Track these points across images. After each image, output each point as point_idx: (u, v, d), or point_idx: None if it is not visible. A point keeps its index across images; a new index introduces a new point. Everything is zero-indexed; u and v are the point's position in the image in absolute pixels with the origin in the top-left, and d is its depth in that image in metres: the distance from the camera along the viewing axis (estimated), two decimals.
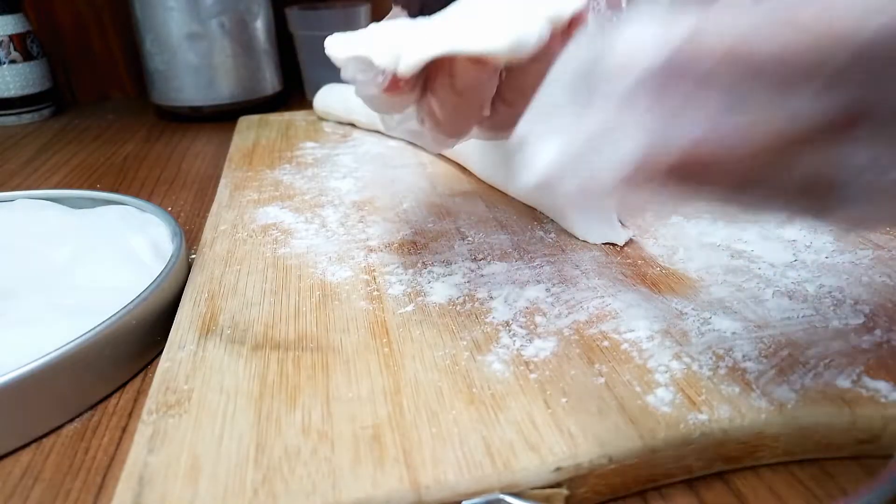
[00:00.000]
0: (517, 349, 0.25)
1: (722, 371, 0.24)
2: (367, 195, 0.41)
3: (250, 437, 0.21)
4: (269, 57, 0.72)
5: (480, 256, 0.33)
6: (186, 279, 0.32)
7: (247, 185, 0.44)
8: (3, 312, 0.29)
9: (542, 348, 0.25)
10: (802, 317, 0.27)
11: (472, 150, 0.42)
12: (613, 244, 0.34)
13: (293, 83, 0.79)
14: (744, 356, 0.24)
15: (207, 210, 0.43)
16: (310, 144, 0.53)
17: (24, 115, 0.73)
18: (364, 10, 0.72)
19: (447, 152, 0.46)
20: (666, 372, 0.24)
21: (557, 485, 0.20)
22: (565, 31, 0.24)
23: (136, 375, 0.29)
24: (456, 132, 0.27)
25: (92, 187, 0.52)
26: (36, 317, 0.29)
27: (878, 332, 0.26)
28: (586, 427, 0.21)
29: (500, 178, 0.41)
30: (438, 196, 0.41)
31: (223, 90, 0.69)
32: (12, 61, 0.70)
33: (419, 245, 0.34)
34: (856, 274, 0.30)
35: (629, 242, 0.34)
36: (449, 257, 0.33)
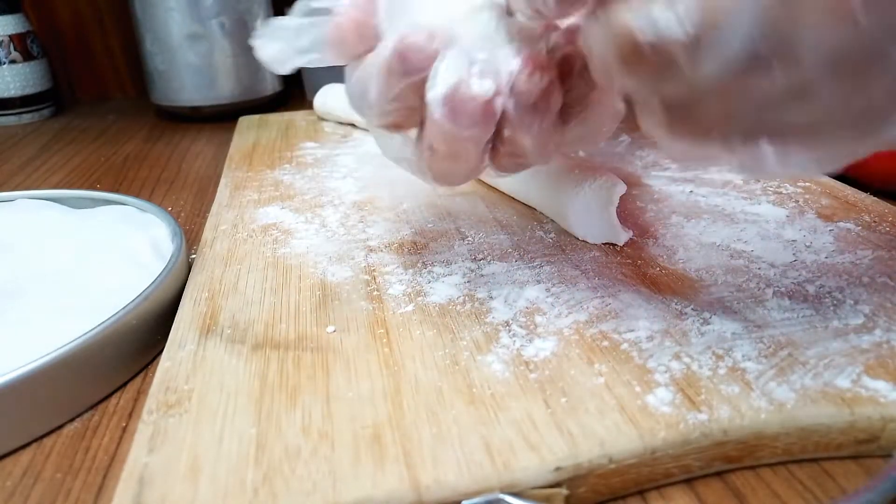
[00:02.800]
0: (517, 349, 0.25)
1: (721, 371, 0.24)
2: (367, 195, 0.41)
3: (250, 436, 0.21)
4: None
5: (480, 256, 0.33)
6: (186, 279, 0.32)
7: (247, 185, 0.44)
8: (4, 312, 0.29)
9: (541, 348, 0.25)
10: (802, 317, 0.27)
11: None
12: (613, 244, 0.34)
13: (293, 83, 0.79)
14: (743, 356, 0.24)
15: (207, 210, 0.43)
16: (310, 144, 0.53)
17: (25, 115, 0.73)
18: None
19: None
20: (666, 372, 0.24)
21: (557, 484, 0.20)
22: None
23: (136, 375, 0.29)
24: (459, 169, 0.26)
25: (92, 187, 0.52)
26: (36, 317, 0.29)
27: (877, 332, 0.26)
28: (586, 427, 0.21)
29: (501, 180, 0.41)
30: (438, 196, 0.41)
31: (223, 90, 0.69)
32: (12, 61, 0.70)
33: (419, 245, 0.34)
34: (856, 274, 0.30)
35: (629, 242, 0.34)
36: (449, 257, 0.33)
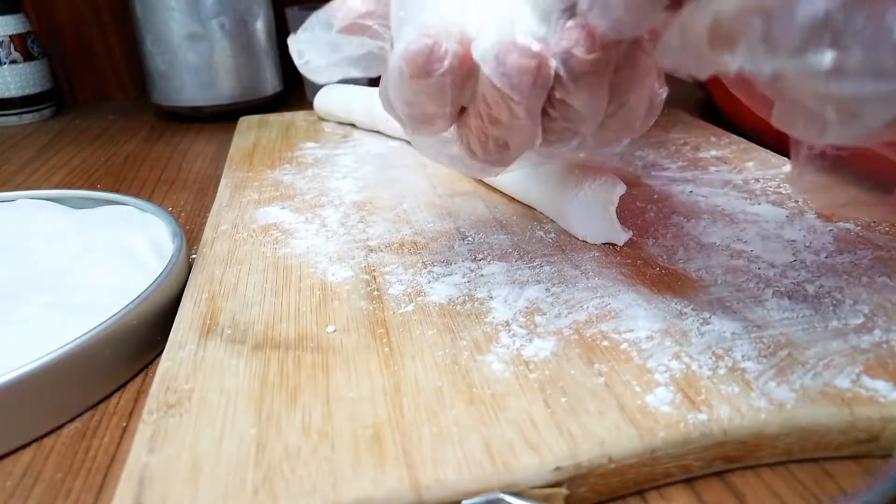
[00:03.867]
0: (517, 349, 0.25)
1: (721, 371, 0.24)
2: (367, 195, 0.41)
3: (250, 436, 0.22)
4: (269, 57, 0.72)
5: (480, 256, 0.33)
6: (187, 279, 0.32)
7: (247, 185, 0.44)
8: (4, 312, 0.29)
9: (541, 348, 0.25)
10: (802, 317, 0.27)
11: None
12: (613, 244, 0.34)
13: (293, 83, 0.79)
14: (743, 356, 0.24)
15: (208, 210, 0.43)
16: (310, 145, 0.53)
17: (25, 115, 0.73)
18: None
19: None
20: (665, 372, 0.24)
21: (557, 484, 0.20)
22: None
23: (136, 375, 0.29)
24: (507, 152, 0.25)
25: (92, 187, 0.52)
26: (36, 317, 0.29)
27: (877, 332, 0.26)
28: (586, 427, 0.21)
29: (502, 180, 0.41)
30: (438, 196, 0.41)
31: (223, 90, 0.69)
32: (13, 61, 0.70)
33: (419, 245, 0.34)
34: (855, 274, 0.30)
35: (629, 242, 0.34)
36: (449, 257, 0.33)
